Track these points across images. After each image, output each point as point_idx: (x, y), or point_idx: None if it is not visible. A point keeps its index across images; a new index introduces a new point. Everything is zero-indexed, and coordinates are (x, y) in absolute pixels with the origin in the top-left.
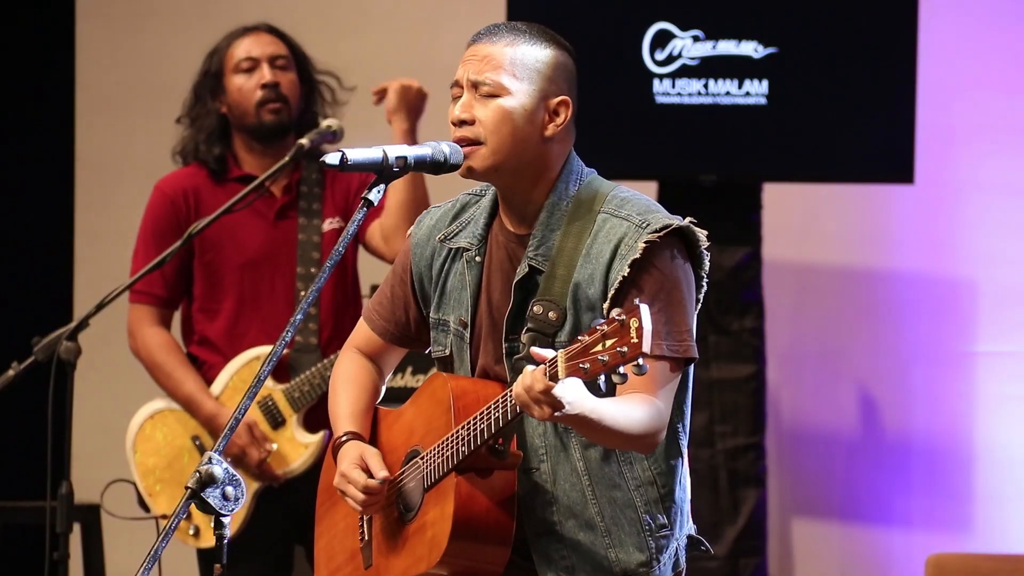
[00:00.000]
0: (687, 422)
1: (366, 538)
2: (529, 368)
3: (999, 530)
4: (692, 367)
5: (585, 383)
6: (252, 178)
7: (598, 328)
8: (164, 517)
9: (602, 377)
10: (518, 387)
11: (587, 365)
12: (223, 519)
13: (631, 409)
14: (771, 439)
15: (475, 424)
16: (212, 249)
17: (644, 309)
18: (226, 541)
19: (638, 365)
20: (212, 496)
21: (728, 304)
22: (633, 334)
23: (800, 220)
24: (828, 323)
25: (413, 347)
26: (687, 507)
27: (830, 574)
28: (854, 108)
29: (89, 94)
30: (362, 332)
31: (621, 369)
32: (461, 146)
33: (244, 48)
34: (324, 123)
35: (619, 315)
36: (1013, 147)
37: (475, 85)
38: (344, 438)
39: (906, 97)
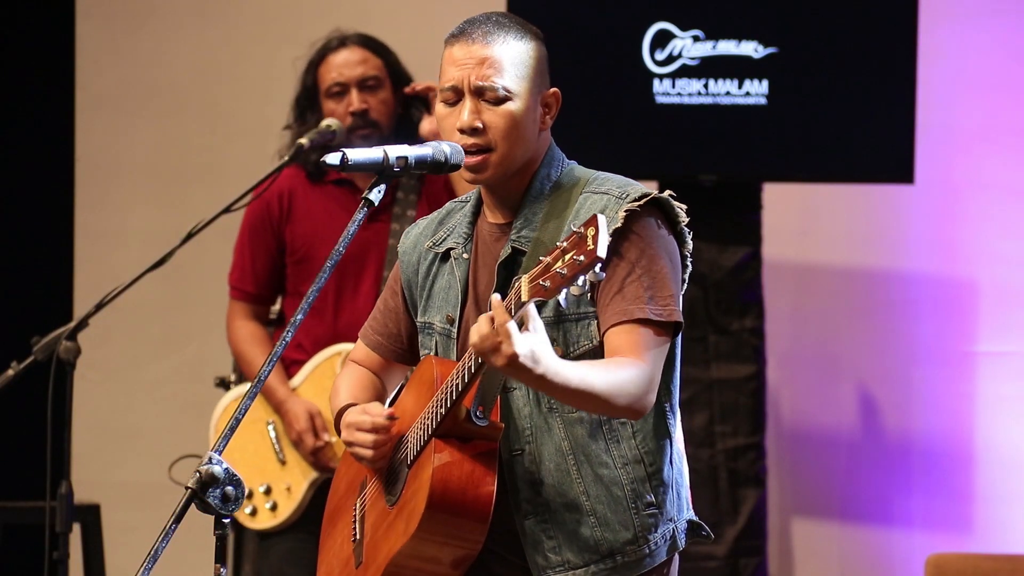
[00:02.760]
0: (676, 403)
1: (358, 537)
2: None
3: (999, 530)
4: (679, 345)
5: (550, 301)
6: (347, 182)
7: (558, 246)
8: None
9: (563, 291)
10: (474, 329)
11: (547, 282)
12: (223, 519)
13: (608, 371)
14: (771, 439)
15: (450, 382)
16: (303, 247)
17: (601, 218)
18: (224, 541)
19: (595, 272)
20: (212, 496)
21: (728, 304)
22: (589, 241)
23: (800, 220)
24: (828, 323)
25: (408, 362)
26: (685, 491)
27: (830, 574)
28: (854, 108)
29: (89, 94)
30: (359, 350)
31: (580, 280)
32: (470, 153)
33: (334, 70)
34: (324, 123)
35: (577, 228)
36: (1013, 147)
37: (479, 91)
38: (344, 408)
39: (906, 97)
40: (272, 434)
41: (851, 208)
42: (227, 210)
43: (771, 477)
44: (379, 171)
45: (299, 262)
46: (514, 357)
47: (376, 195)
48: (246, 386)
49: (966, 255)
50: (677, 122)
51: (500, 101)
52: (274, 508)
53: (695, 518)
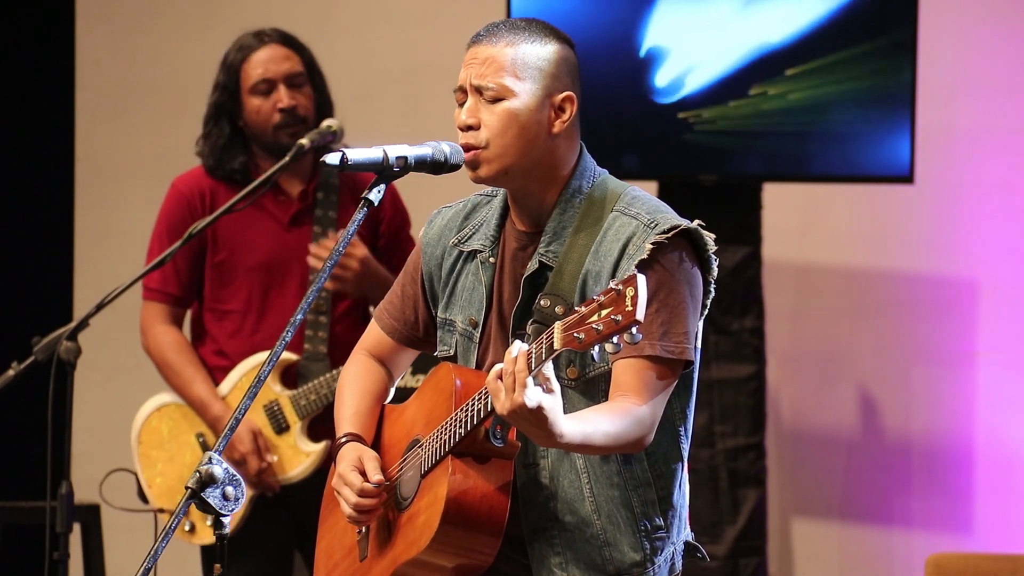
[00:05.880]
0: (690, 426)
1: (363, 531)
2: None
3: (999, 530)
4: (696, 371)
5: (580, 352)
6: (270, 181)
7: (595, 299)
8: (161, 511)
9: (596, 347)
10: (493, 371)
11: (581, 335)
12: (223, 519)
13: (611, 422)
14: (771, 439)
15: (473, 405)
16: (224, 249)
17: (640, 279)
18: (224, 541)
19: (631, 333)
20: (212, 496)
21: (728, 304)
22: (628, 303)
23: (800, 220)
24: (828, 323)
25: (421, 348)
26: (685, 513)
27: (830, 574)
28: (854, 108)
29: (89, 94)
30: (372, 332)
31: (615, 339)
32: (467, 151)
33: (259, 67)
34: (324, 123)
35: (616, 285)
36: (1013, 147)
37: (479, 90)
38: (344, 439)
39: (906, 96)
40: (204, 447)
41: (851, 208)
42: (227, 210)
43: (771, 477)
44: (379, 171)
45: (219, 265)
46: (521, 407)
47: (376, 195)
48: (162, 397)
49: (966, 255)
50: (677, 122)
51: (497, 99)
52: None
53: (692, 539)
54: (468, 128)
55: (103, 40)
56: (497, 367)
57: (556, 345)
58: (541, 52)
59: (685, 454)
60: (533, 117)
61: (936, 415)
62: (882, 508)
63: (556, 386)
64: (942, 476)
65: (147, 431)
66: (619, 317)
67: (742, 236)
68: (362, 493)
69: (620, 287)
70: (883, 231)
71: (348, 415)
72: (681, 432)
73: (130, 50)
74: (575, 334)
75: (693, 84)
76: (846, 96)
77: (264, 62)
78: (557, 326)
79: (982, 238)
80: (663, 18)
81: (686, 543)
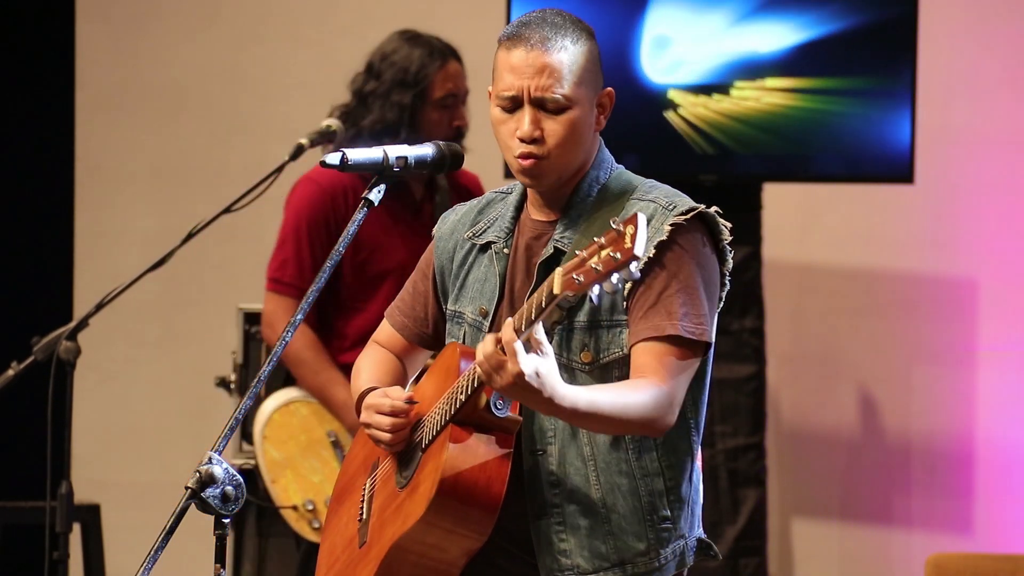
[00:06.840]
0: (701, 420)
1: (364, 517)
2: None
3: (999, 530)
4: (710, 364)
5: (586, 305)
6: (401, 185)
7: (595, 241)
8: (294, 508)
9: (596, 288)
10: (480, 347)
11: (581, 277)
12: (223, 519)
13: (620, 395)
14: (771, 439)
15: (471, 371)
16: (366, 249)
17: (641, 216)
18: (224, 541)
19: (629, 270)
20: (212, 496)
21: (728, 304)
22: (628, 240)
23: (800, 220)
24: (828, 323)
25: (431, 347)
26: (698, 509)
27: (830, 574)
28: (854, 108)
29: (89, 94)
30: (383, 330)
31: (613, 277)
32: (526, 159)
33: (450, 81)
34: (324, 123)
35: (616, 225)
36: (1013, 147)
37: (539, 102)
38: (363, 394)
39: (906, 97)
40: (335, 445)
41: (851, 208)
42: (227, 210)
43: (771, 477)
44: (379, 171)
45: (361, 265)
46: (519, 376)
47: (376, 195)
48: (288, 393)
49: (966, 255)
50: (665, 102)
51: (560, 110)
52: None
53: (704, 537)
54: (533, 140)
55: (103, 40)
56: (480, 347)
57: (556, 290)
58: (583, 53)
59: (696, 448)
60: (587, 120)
61: (936, 415)
62: (882, 508)
63: (549, 349)
64: (942, 476)
65: (272, 427)
66: (618, 255)
67: (742, 236)
68: (393, 411)
69: (620, 227)
70: (883, 231)
71: (364, 381)
72: (692, 424)
73: (130, 50)
74: (574, 276)
75: (694, 83)
76: (846, 96)
77: (454, 77)
78: (557, 271)
79: (982, 238)
80: (658, 19)
81: (699, 539)
